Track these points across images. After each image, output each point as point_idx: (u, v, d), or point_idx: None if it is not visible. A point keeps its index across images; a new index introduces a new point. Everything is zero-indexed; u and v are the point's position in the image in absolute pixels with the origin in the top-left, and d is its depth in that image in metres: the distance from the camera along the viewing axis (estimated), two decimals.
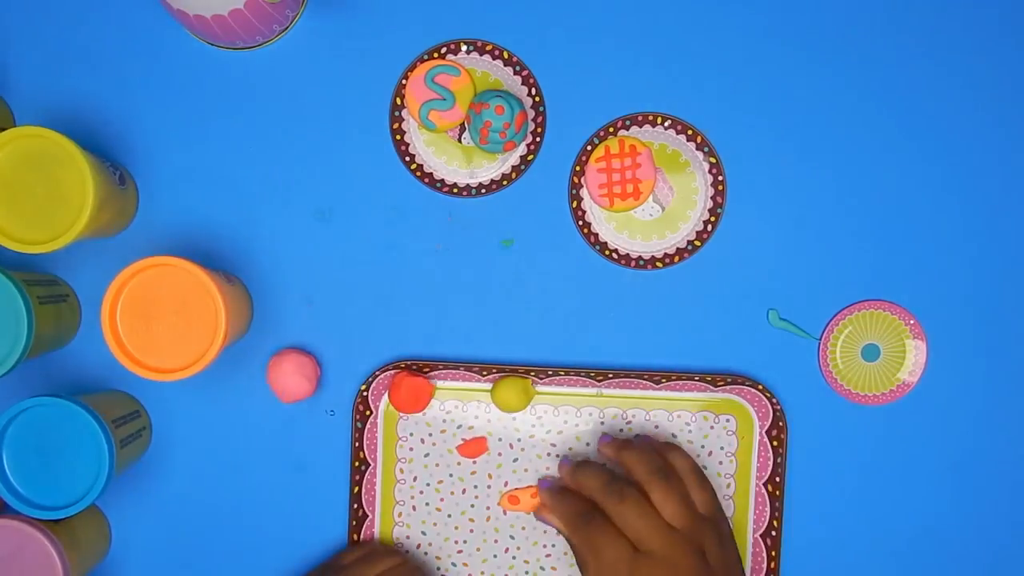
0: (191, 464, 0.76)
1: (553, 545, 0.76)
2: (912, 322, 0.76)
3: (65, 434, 0.66)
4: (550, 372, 0.74)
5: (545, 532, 0.76)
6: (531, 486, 0.75)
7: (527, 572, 0.76)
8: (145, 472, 0.76)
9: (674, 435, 0.75)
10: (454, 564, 0.76)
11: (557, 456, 0.75)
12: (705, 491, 0.70)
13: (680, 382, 0.74)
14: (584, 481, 0.71)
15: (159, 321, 0.66)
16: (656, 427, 0.75)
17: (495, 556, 0.76)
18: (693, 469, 0.71)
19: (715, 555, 0.68)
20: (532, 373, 0.74)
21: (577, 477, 0.72)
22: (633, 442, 0.72)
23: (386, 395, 0.75)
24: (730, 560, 0.69)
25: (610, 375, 0.74)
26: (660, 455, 0.71)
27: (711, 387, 0.75)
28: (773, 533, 0.75)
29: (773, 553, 0.75)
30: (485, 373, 0.75)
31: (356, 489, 0.75)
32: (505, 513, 0.76)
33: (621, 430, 0.75)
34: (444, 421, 0.75)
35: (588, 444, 0.75)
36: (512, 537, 0.76)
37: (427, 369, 0.75)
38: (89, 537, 0.73)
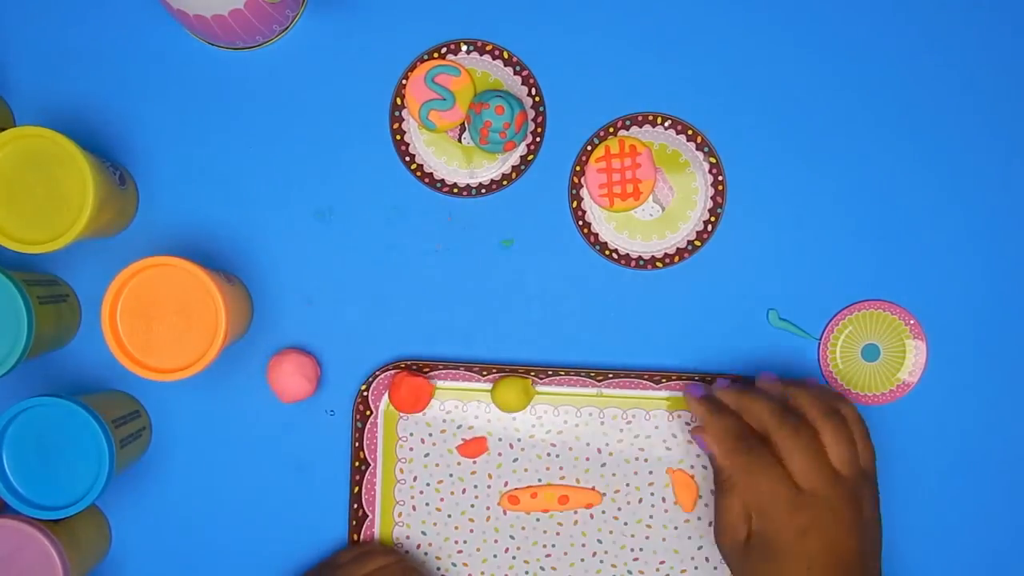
0: (191, 464, 0.76)
1: (553, 545, 0.76)
2: (912, 322, 0.76)
3: (65, 434, 0.66)
4: (550, 372, 0.74)
5: (545, 532, 0.76)
6: (530, 486, 0.75)
7: (527, 572, 0.76)
8: (145, 472, 0.76)
9: (674, 435, 0.75)
10: (454, 564, 0.76)
11: (556, 456, 0.75)
12: (869, 447, 0.67)
13: (680, 382, 0.74)
14: (752, 406, 0.67)
15: (159, 321, 0.66)
16: (656, 427, 0.75)
17: (495, 556, 0.76)
18: (862, 422, 0.68)
19: (869, 512, 0.65)
20: (532, 373, 0.74)
21: (744, 400, 0.68)
22: (805, 381, 0.69)
23: (386, 395, 0.75)
24: (879, 521, 0.67)
25: (610, 375, 0.74)
26: (831, 398, 0.68)
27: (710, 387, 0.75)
28: None
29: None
30: (485, 373, 0.75)
31: (356, 489, 0.75)
32: (505, 513, 0.76)
33: (621, 430, 0.75)
34: (444, 421, 0.75)
35: (588, 444, 0.75)
36: (512, 537, 0.76)
37: (427, 369, 0.75)
38: (89, 537, 0.73)
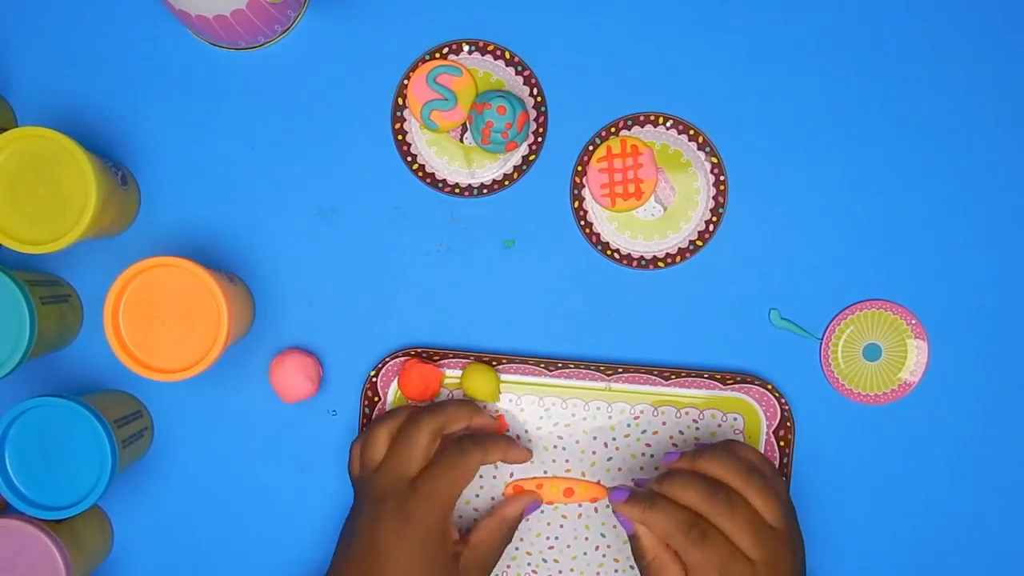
0: (193, 464, 0.76)
1: (557, 538, 0.76)
2: (914, 322, 0.76)
3: (67, 434, 0.66)
4: (559, 364, 0.74)
5: (549, 524, 0.76)
6: (536, 478, 0.75)
7: (529, 564, 0.76)
8: (147, 472, 0.76)
9: (681, 432, 0.75)
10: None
11: (563, 449, 0.75)
12: (780, 480, 0.67)
13: (689, 379, 0.75)
14: (680, 492, 0.65)
15: (161, 321, 0.66)
16: (664, 424, 0.75)
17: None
18: (766, 460, 0.68)
19: (799, 541, 0.66)
20: (542, 364, 0.74)
21: (671, 488, 0.65)
22: (705, 449, 0.67)
23: (394, 382, 0.75)
24: (803, 552, 0.68)
25: (619, 369, 0.74)
26: (737, 455, 0.67)
27: (720, 385, 0.75)
28: None
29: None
30: (495, 364, 0.75)
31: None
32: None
33: (628, 425, 0.75)
34: None
35: (595, 438, 0.75)
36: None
37: (436, 357, 0.75)
38: (91, 537, 0.73)
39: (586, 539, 0.76)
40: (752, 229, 0.76)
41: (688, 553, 0.64)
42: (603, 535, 0.76)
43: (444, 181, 0.76)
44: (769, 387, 0.75)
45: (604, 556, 0.76)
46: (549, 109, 0.76)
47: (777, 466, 0.75)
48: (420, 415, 0.69)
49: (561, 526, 0.76)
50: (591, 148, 0.76)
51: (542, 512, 0.76)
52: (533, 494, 0.74)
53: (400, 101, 0.75)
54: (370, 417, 0.75)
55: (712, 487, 0.65)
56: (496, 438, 0.71)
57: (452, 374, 0.75)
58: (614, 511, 0.67)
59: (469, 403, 0.72)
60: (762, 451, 0.75)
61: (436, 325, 0.76)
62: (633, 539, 0.67)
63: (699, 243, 0.76)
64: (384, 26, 0.76)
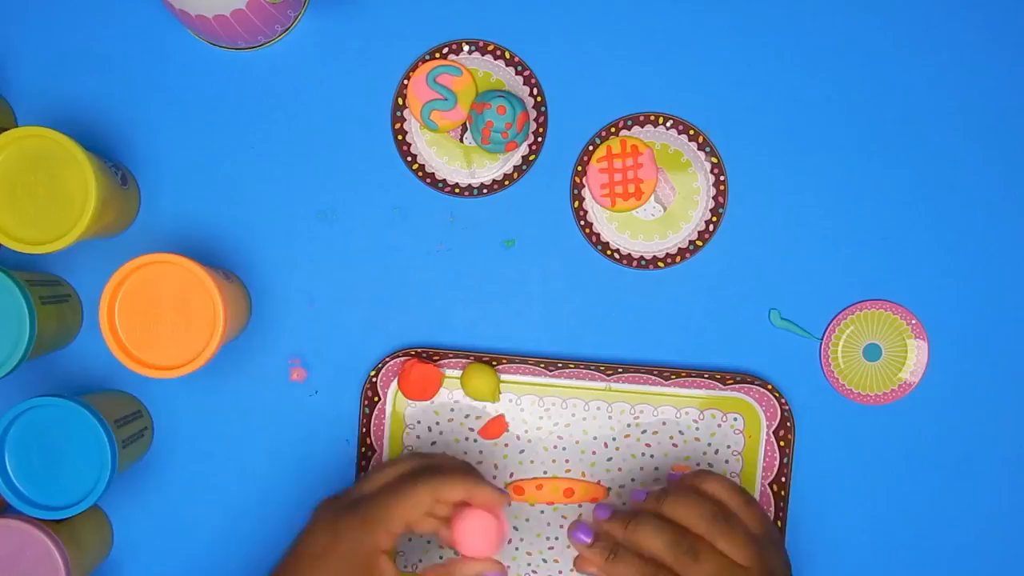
0: (193, 464, 0.76)
1: (556, 538, 0.76)
2: (913, 322, 0.76)
3: (67, 434, 0.66)
4: (559, 364, 0.74)
5: (549, 524, 0.76)
6: (536, 478, 0.76)
7: (529, 564, 0.76)
8: (146, 472, 0.76)
9: (681, 432, 0.75)
10: (456, 554, 0.76)
11: (563, 449, 0.75)
12: (753, 509, 0.66)
13: (689, 379, 0.75)
14: (644, 540, 0.63)
15: (157, 318, 0.66)
16: (664, 423, 0.75)
17: None
18: (734, 490, 0.66)
19: (778, 568, 0.65)
20: (542, 364, 0.74)
21: (635, 535, 0.64)
22: (670, 492, 0.66)
23: (394, 382, 0.75)
24: (787, 563, 0.66)
25: (619, 369, 0.74)
26: (701, 494, 0.65)
27: (720, 385, 0.75)
28: None
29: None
30: (495, 364, 0.75)
31: (362, 475, 0.75)
32: (509, 504, 0.76)
33: (628, 425, 0.75)
34: (452, 410, 0.75)
35: (595, 438, 0.75)
36: (516, 528, 0.76)
37: (436, 357, 0.75)
38: (91, 537, 0.73)
39: None
40: (752, 229, 0.76)
41: (684, 568, 0.63)
42: None
43: (444, 181, 0.76)
44: (769, 387, 0.75)
45: None
46: (549, 109, 0.76)
47: (777, 466, 0.75)
48: (419, 473, 0.65)
49: (561, 526, 0.76)
50: (591, 148, 0.76)
51: (542, 512, 0.76)
52: (498, 565, 0.66)
53: (400, 101, 0.75)
54: (370, 417, 0.75)
55: (677, 538, 0.63)
56: (463, 478, 0.65)
57: (452, 374, 0.75)
58: (574, 565, 0.66)
59: (472, 474, 0.67)
60: (760, 451, 0.75)
61: (436, 325, 0.76)
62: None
63: (699, 243, 0.76)
64: (384, 26, 0.76)
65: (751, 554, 0.63)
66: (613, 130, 0.76)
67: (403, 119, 0.76)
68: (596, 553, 0.65)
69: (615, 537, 0.65)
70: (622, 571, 0.64)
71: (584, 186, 0.76)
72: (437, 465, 0.67)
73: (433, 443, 0.76)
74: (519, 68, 0.76)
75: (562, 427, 0.76)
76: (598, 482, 0.76)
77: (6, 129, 0.68)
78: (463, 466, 0.68)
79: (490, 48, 0.75)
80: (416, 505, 0.64)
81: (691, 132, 0.75)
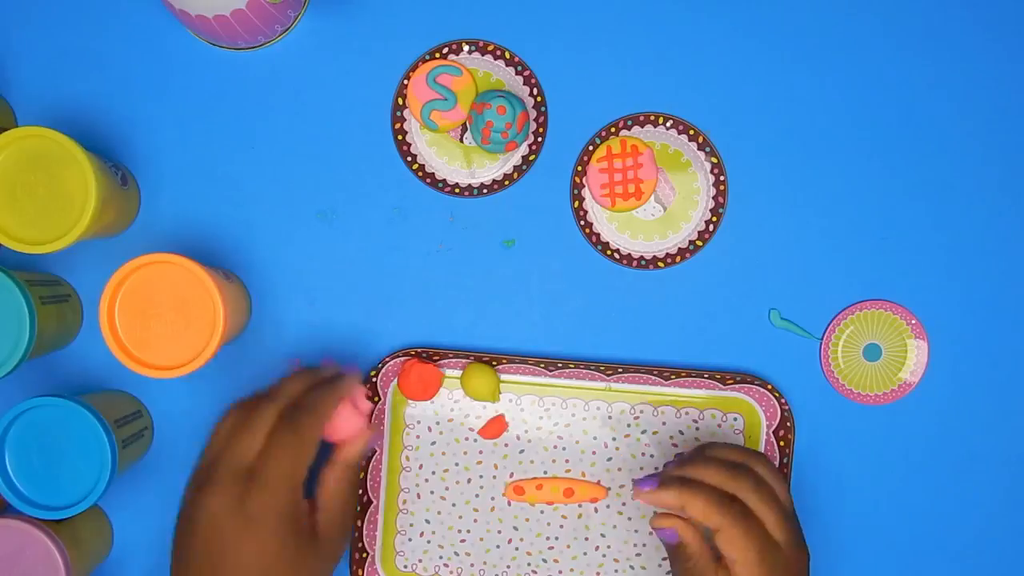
0: (192, 464, 0.76)
1: (557, 538, 0.76)
2: (913, 322, 0.76)
3: (67, 434, 0.66)
4: (559, 364, 0.74)
5: (548, 524, 0.76)
6: (536, 478, 0.76)
7: (529, 563, 0.76)
8: (147, 472, 0.76)
9: (681, 432, 0.76)
10: (456, 553, 0.76)
11: (563, 449, 0.75)
12: (785, 488, 0.67)
13: (689, 379, 0.75)
14: (705, 472, 0.64)
15: (157, 318, 0.66)
16: (664, 423, 0.75)
17: (498, 547, 0.76)
18: (774, 470, 0.67)
19: (804, 547, 0.66)
20: (542, 364, 0.74)
21: (695, 469, 0.65)
22: (710, 444, 0.68)
23: (394, 382, 0.75)
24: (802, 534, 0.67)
25: (619, 369, 0.74)
26: (744, 458, 0.67)
27: (720, 385, 0.75)
28: None
29: None
30: (495, 364, 0.75)
31: (361, 475, 0.75)
32: (510, 504, 0.76)
33: (628, 425, 0.75)
34: (452, 410, 0.76)
35: (595, 438, 0.75)
36: (516, 528, 0.76)
37: (436, 357, 0.75)
38: (91, 537, 0.73)
39: (586, 539, 0.76)
40: (752, 229, 0.76)
41: (730, 529, 0.62)
42: (603, 535, 0.76)
43: (444, 181, 0.76)
44: (769, 387, 0.75)
45: (604, 556, 0.76)
46: (549, 109, 0.76)
47: (777, 466, 0.75)
48: (260, 399, 0.64)
49: (561, 526, 0.76)
50: (591, 148, 0.76)
51: (542, 512, 0.76)
52: (365, 429, 0.66)
53: (400, 101, 0.75)
54: (370, 418, 0.75)
55: (733, 466, 0.65)
56: (332, 388, 0.65)
57: (452, 374, 0.75)
58: (654, 528, 0.66)
59: (307, 372, 0.66)
60: (762, 450, 0.75)
61: (436, 325, 0.76)
62: (679, 548, 0.65)
63: (699, 243, 0.76)
64: (384, 26, 0.76)
65: (791, 505, 0.65)
66: (613, 130, 0.76)
67: (403, 119, 0.76)
68: (668, 490, 0.64)
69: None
70: (697, 497, 0.63)
71: (584, 186, 0.76)
72: (287, 387, 0.65)
73: (433, 443, 0.76)
74: (519, 68, 0.76)
75: (562, 427, 0.76)
76: (598, 482, 0.76)
77: (6, 129, 0.68)
78: (311, 376, 0.66)
79: (490, 48, 0.75)
80: (312, 446, 0.63)
81: (691, 132, 0.75)
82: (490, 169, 0.76)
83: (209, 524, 0.61)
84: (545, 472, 0.76)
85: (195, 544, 0.62)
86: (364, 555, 0.76)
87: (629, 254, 0.76)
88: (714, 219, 0.76)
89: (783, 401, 0.75)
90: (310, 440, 0.63)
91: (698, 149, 0.76)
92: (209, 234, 0.75)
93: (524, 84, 0.76)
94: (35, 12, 0.75)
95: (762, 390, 0.75)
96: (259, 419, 0.63)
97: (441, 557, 0.76)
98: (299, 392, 0.65)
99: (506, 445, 0.76)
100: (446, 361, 0.75)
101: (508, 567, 0.76)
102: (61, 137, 0.65)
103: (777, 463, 0.75)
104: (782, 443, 0.75)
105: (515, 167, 0.76)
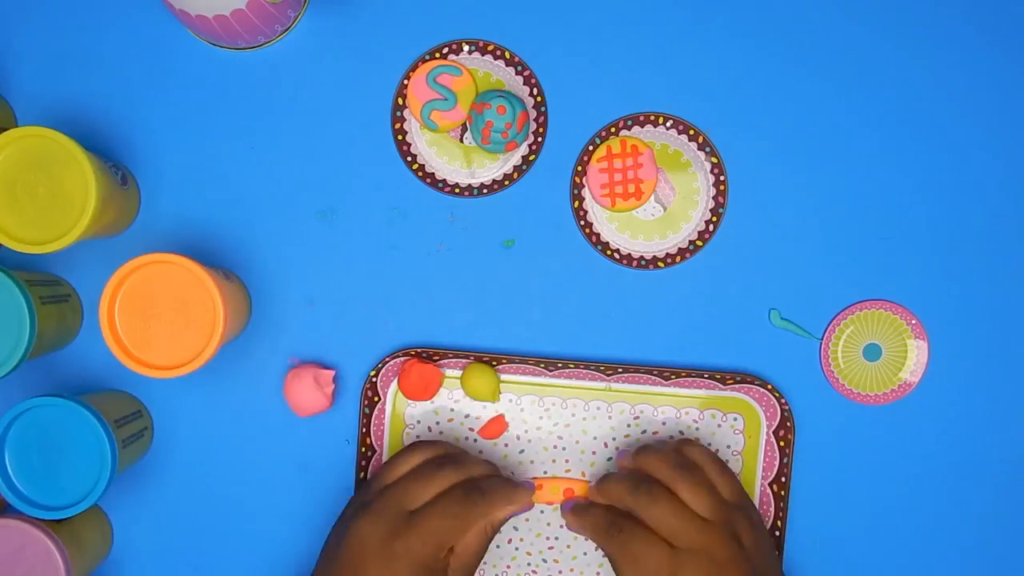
0: (192, 464, 0.76)
1: (556, 538, 0.76)
2: (914, 322, 0.76)
3: (67, 434, 0.66)
4: (559, 364, 0.74)
5: (548, 524, 0.76)
6: (536, 478, 0.75)
7: (529, 563, 0.76)
8: (147, 472, 0.76)
9: (681, 432, 0.76)
10: None
11: (563, 449, 0.75)
12: (728, 478, 0.70)
13: (689, 379, 0.75)
14: (609, 490, 0.70)
15: (157, 318, 0.66)
16: (664, 423, 0.75)
17: (498, 547, 0.76)
18: (712, 458, 0.71)
19: (749, 540, 0.68)
20: (542, 364, 0.74)
21: (601, 490, 0.71)
22: (648, 445, 0.72)
23: (394, 382, 0.75)
24: (764, 543, 0.69)
25: (619, 369, 0.74)
26: (678, 451, 0.71)
27: (720, 385, 0.75)
28: (777, 533, 0.75)
29: (777, 552, 0.75)
30: (495, 364, 0.75)
31: (362, 475, 0.75)
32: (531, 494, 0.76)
33: (628, 425, 0.75)
34: (452, 410, 0.75)
35: (595, 438, 0.76)
36: (516, 528, 0.76)
37: (437, 357, 0.75)
38: (91, 537, 0.73)
39: (586, 539, 0.76)
40: (752, 229, 0.76)
41: (608, 548, 0.68)
42: None
43: (444, 181, 0.76)
44: (769, 387, 0.75)
45: (604, 556, 0.76)
46: (549, 109, 0.76)
47: (777, 466, 0.75)
48: (447, 460, 0.70)
49: (561, 526, 0.76)
50: (591, 148, 0.76)
51: (542, 512, 0.76)
52: (524, 496, 0.71)
53: (400, 101, 0.75)
54: (370, 418, 0.75)
55: (636, 482, 0.69)
56: (509, 487, 0.70)
57: (452, 374, 0.75)
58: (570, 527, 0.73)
59: (493, 464, 0.72)
60: (760, 451, 0.75)
61: (436, 325, 0.76)
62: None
63: (699, 243, 0.76)
64: (384, 26, 0.76)
65: (712, 506, 0.68)
66: (613, 130, 0.76)
67: (403, 119, 0.76)
68: (572, 514, 0.72)
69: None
70: (587, 521, 0.70)
71: (584, 186, 0.76)
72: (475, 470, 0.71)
73: None
74: (519, 68, 0.76)
75: (562, 427, 0.76)
76: None
77: (6, 129, 0.68)
78: (485, 466, 0.72)
79: (490, 48, 0.75)
80: (470, 525, 0.68)
81: (691, 132, 0.75)
82: (490, 169, 0.76)
83: (359, 546, 0.67)
84: (545, 472, 0.76)
85: (341, 557, 0.67)
86: None
87: (629, 254, 0.76)
88: (714, 219, 0.76)
89: (783, 401, 0.75)
90: (473, 518, 0.68)
91: (698, 149, 0.76)
92: (209, 234, 0.75)
93: (524, 84, 0.76)
94: (35, 12, 0.75)
95: (762, 390, 0.75)
96: (439, 478, 0.69)
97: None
98: (482, 473, 0.70)
99: (506, 445, 0.76)
100: (446, 361, 0.75)
101: (508, 567, 0.76)
102: (61, 137, 0.65)
103: (777, 463, 0.75)
104: (782, 443, 0.75)
105: (515, 167, 0.76)
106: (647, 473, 0.70)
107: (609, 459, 0.76)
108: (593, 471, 0.76)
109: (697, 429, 0.75)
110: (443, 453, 0.71)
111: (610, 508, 0.70)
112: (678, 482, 0.68)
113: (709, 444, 0.76)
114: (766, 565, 0.68)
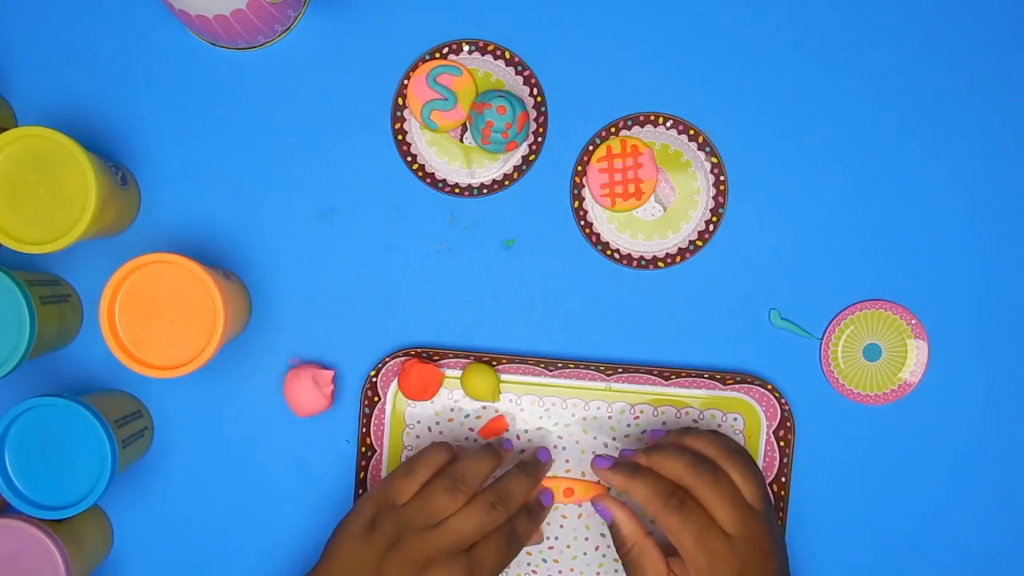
0: (192, 464, 0.76)
1: (556, 538, 0.76)
2: (913, 322, 0.76)
3: (67, 434, 0.66)
4: (560, 364, 0.74)
5: (548, 524, 0.76)
6: None
7: (529, 563, 0.76)
8: (147, 472, 0.76)
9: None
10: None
11: (563, 448, 0.75)
12: (761, 475, 0.69)
13: (689, 379, 0.75)
14: (666, 462, 0.68)
15: (157, 318, 0.66)
16: (664, 424, 0.75)
17: None
18: (746, 451, 0.70)
19: (778, 534, 0.68)
20: (542, 364, 0.74)
21: (654, 460, 0.68)
22: (691, 429, 0.71)
23: (394, 382, 0.75)
24: (783, 538, 0.70)
25: (619, 369, 0.74)
26: (727, 438, 0.70)
27: (720, 385, 0.75)
28: None
29: None
30: (495, 364, 0.75)
31: (362, 475, 0.75)
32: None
33: (628, 425, 0.75)
34: (452, 410, 0.75)
35: (595, 438, 0.75)
36: None
37: (437, 357, 0.75)
38: (91, 537, 0.73)
39: (586, 539, 0.76)
40: (752, 229, 0.76)
41: (666, 519, 0.66)
42: (603, 535, 0.76)
43: (444, 181, 0.76)
44: (769, 387, 0.75)
45: (604, 556, 0.76)
46: (549, 109, 0.76)
47: (777, 466, 0.75)
48: (456, 486, 0.68)
49: (561, 526, 0.76)
50: (591, 148, 0.76)
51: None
52: (538, 536, 0.73)
53: (400, 101, 0.75)
54: (370, 418, 0.75)
55: (698, 459, 0.67)
56: (535, 525, 0.71)
57: (452, 374, 0.75)
58: (593, 502, 0.71)
59: (525, 467, 0.71)
60: (760, 451, 0.75)
61: (436, 325, 0.76)
62: (612, 528, 0.69)
63: (699, 243, 0.76)
64: (384, 26, 0.76)
65: (760, 496, 0.67)
66: (613, 130, 0.76)
67: (403, 119, 0.76)
68: (616, 473, 0.68)
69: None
70: (640, 486, 0.67)
71: (584, 186, 0.76)
72: (472, 472, 0.69)
73: None
74: (519, 68, 0.76)
75: (562, 427, 0.76)
76: (598, 482, 0.76)
77: (6, 129, 0.68)
78: (492, 459, 0.70)
79: (490, 48, 0.75)
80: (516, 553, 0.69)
81: (691, 132, 0.76)
82: (490, 169, 0.76)
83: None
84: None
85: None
86: None
87: (629, 254, 0.76)
88: (714, 219, 0.76)
89: (783, 401, 0.75)
90: (518, 550, 0.69)
91: (698, 149, 0.76)
92: (209, 234, 0.75)
93: (524, 84, 0.76)
94: (35, 12, 0.75)
95: (762, 390, 0.75)
96: (491, 523, 0.68)
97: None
98: (525, 496, 0.70)
99: None
100: (446, 361, 0.75)
101: (508, 567, 0.76)
102: (61, 137, 0.65)
103: (777, 463, 0.75)
104: (782, 443, 0.75)
105: (515, 167, 0.76)
106: (701, 453, 0.68)
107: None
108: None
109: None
110: (452, 467, 0.69)
111: (665, 479, 0.67)
112: (733, 467, 0.67)
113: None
114: (786, 561, 0.69)
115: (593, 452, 0.76)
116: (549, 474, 0.76)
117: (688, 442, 0.69)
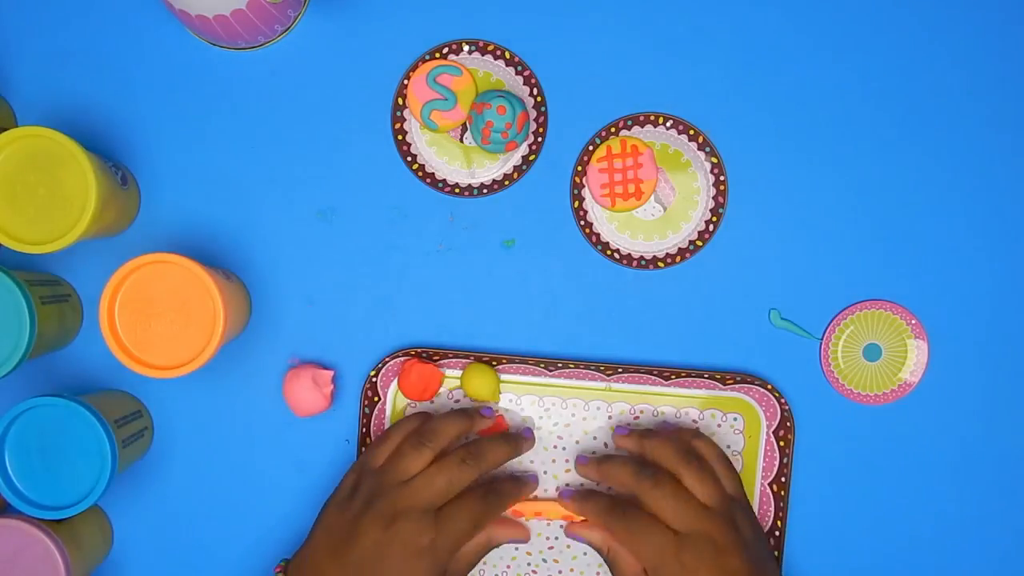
0: (192, 464, 0.76)
1: (556, 538, 0.76)
2: (913, 322, 0.76)
3: (67, 434, 0.66)
4: (560, 364, 0.74)
5: (548, 524, 0.76)
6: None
7: (529, 563, 0.76)
8: (147, 472, 0.76)
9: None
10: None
11: (563, 449, 0.75)
12: (732, 474, 0.71)
13: (689, 379, 0.75)
14: (612, 472, 0.71)
15: (157, 318, 0.66)
16: (664, 423, 0.75)
17: (497, 547, 0.76)
18: (718, 453, 0.72)
19: (747, 529, 0.69)
20: (542, 364, 0.74)
21: (604, 470, 0.72)
22: (654, 430, 0.73)
23: (394, 382, 0.75)
24: (762, 537, 0.70)
25: (619, 369, 0.74)
26: (683, 440, 0.71)
27: (720, 385, 0.75)
28: (777, 533, 0.75)
29: (777, 553, 0.75)
30: (495, 364, 0.75)
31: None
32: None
33: (629, 424, 0.75)
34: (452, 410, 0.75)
35: (595, 438, 0.76)
36: None
37: (436, 357, 0.75)
38: (91, 537, 0.73)
39: (581, 539, 0.76)
40: (752, 229, 0.76)
41: (616, 530, 0.69)
42: None
43: (444, 181, 0.76)
44: (769, 387, 0.75)
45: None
46: (549, 109, 0.76)
47: (777, 466, 0.75)
48: (423, 442, 0.70)
49: (561, 526, 0.76)
50: (591, 148, 0.76)
51: (541, 513, 0.76)
52: (524, 530, 0.74)
53: (400, 101, 0.75)
54: (370, 418, 0.75)
55: (640, 466, 0.70)
56: (516, 492, 0.72)
57: (452, 374, 0.75)
58: (566, 534, 0.74)
59: (504, 436, 0.73)
60: (760, 451, 0.75)
61: (436, 325, 0.76)
62: (603, 554, 0.72)
63: (699, 243, 0.76)
64: (384, 26, 0.76)
65: (714, 495, 0.69)
66: (613, 130, 0.76)
67: (403, 119, 0.76)
68: (572, 500, 0.73)
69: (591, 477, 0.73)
70: (589, 507, 0.71)
71: (584, 186, 0.76)
72: (445, 431, 0.71)
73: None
74: (519, 68, 0.76)
75: (562, 427, 0.76)
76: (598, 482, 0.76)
77: (6, 129, 0.68)
78: (467, 421, 0.73)
79: (490, 48, 0.75)
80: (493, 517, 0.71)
81: (691, 132, 0.76)
82: (490, 169, 0.76)
83: (381, 539, 0.66)
84: (545, 472, 0.76)
85: (355, 556, 0.66)
86: None
87: (629, 254, 0.76)
88: (714, 219, 0.76)
89: (783, 401, 0.75)
90: (488, 521, 0.70)
91: (698, 149, 0.76)
92: (209, 234, 0.75)
93: (524, 84, 0.76)
94: (35, 12, 0.75)
95: (762, 390, 0.75)
96: (454, 470, 0.69)
97: None
98: (500, 460, 0.71)
99: None
100: (446, 361, 0.75)
101: (508, 567, 0.76)
102: (61, 137, 0.65)
103: (777, 463, 0.75)
104: (782, 443, 0.75)
105: (515, 167, 0.76)
106: (651, 459, 0.71)
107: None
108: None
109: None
110: (422, 426, 0.71)
111: (612, 494, 0.71)
112: (683, 469, 0.69)
113: None
114: (764, 556, 0.69)
115: (593, 452, 0.76)
116: (549, 475, 0.76)
117: (645, 446, 0.71)
